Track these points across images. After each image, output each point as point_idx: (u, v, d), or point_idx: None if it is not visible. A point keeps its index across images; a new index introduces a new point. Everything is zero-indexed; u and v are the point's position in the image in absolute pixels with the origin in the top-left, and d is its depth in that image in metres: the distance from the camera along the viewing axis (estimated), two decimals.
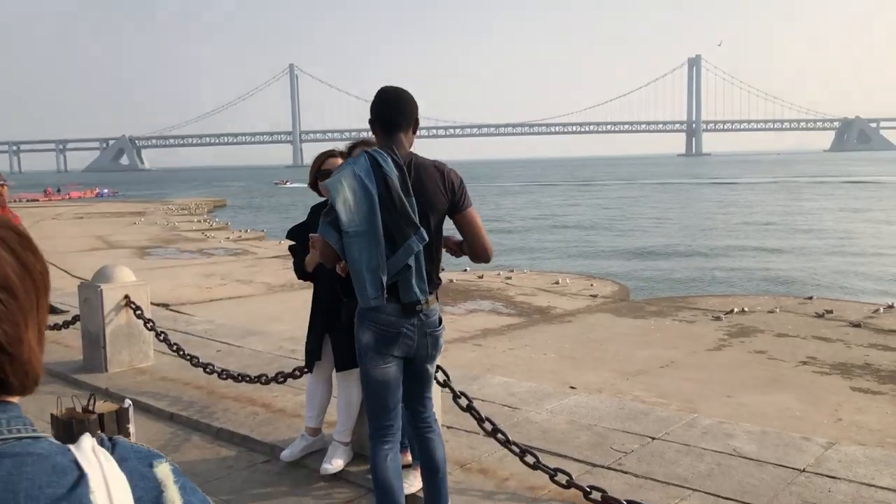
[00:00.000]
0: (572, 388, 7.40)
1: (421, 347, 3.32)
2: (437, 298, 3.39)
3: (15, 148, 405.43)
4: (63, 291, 10.21)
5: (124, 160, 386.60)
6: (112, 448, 0.81)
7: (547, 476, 3.98)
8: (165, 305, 11.13)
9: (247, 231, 28.03)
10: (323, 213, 3.20)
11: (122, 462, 0.80)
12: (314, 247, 3.62)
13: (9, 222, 0.79)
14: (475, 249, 3.38)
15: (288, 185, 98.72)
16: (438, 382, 4.43)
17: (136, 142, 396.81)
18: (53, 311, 8.97)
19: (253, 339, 7.70)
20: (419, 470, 3.74)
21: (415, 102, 3.34)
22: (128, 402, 5.03)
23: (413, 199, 3.18)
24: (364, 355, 3.29)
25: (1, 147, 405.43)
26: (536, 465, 4.02)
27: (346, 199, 3.10)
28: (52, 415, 4.83)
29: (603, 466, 4.34)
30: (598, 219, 39.71)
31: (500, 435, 4.19)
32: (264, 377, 5.44)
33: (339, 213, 3.11)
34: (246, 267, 16.78)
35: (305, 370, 4.78)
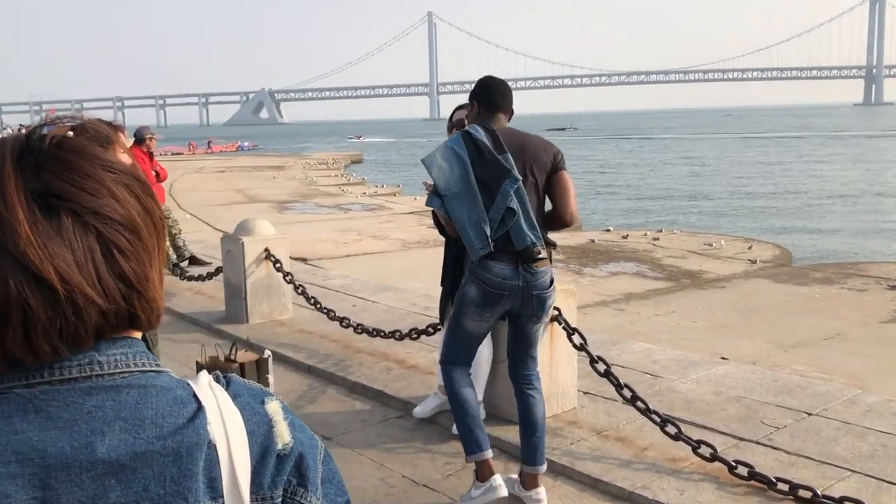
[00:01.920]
0: (723, 358, 7.21)
1: (525, 307, 3.60)
2: (550, 260, 3.66)
3: (161, 102, 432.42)
4: (206, 244, 10.93)
5: (264, 113, 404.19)
6: (227, 384, 0.90)
7: (689, 448, 3.96)
8: (303, 260, 11.65)
9: (383, 186, 28.71)
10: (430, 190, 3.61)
11: (235, 397, 0.88)
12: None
13: (131, 170, 0.87)
14: (563, 211, 3.72)
15: (362, 139, 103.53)
16: (575, 346, 4.47)
17: (275, 95, 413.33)
18: (197, 262, 9.63)
19: (387, 294, 7.98)
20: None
21: (512, 94, 3.87)
22: (267, 353, 5.37)
23: (507, 154, 3.54)
24: (466, 307, 3.64)
25: (147, 101, 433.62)
26: (678, 436, 4.00)
27: (440, 166, 3.52)
28: (196, 362, 5.23)
29: (751, 441, 4.25)
30: (758, 174, 37.86)
31: (639, 403, 4.18)
32: (398, 333, 5.65)
33: (435, 181, 3.52)
34: (381, 223, 17.25)
35: (439, 327, 4.93)
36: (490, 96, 3.78)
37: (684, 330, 8.44)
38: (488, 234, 3.47)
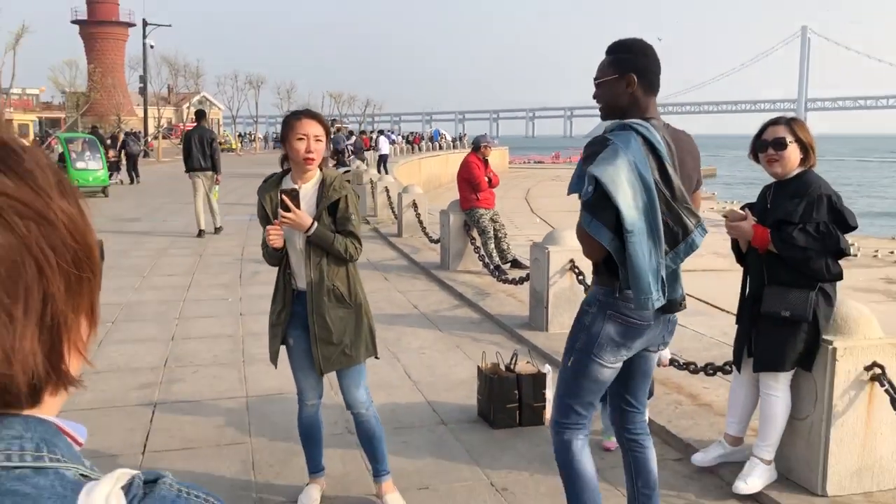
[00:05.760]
0: None
1: (658, 335, 2.97)
2: None
3: (531, 114, 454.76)
4: None
5: None
6: (142, 497, 0.58)
7: None
8: None
9: (733, 202, 26.89)
10: (590, 206, 2.71)
11: None
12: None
13: (8, 191, 0.56)
14: None
15: None
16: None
17: None
18: (519, 265, 9.53)
19: (700, 319, 7.16)
20: None
21: None
22: (547, 368, 5.02)
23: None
24: (600, 347, 2.88)
25: (519, 114, 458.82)
26: None
27: (625, 193, 2.64)
28: (478, 367, 5.05)
29: None
30: None
31: None
32: (693, 365, 4.93)
33: (620, 210, 2.65)
34: (726, 239, 16.04)
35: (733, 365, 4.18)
36: (652, 71, 2.86)
37: None
38: (664, 281, 2.74)
